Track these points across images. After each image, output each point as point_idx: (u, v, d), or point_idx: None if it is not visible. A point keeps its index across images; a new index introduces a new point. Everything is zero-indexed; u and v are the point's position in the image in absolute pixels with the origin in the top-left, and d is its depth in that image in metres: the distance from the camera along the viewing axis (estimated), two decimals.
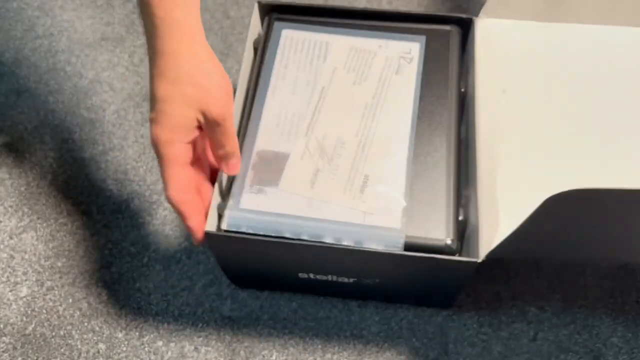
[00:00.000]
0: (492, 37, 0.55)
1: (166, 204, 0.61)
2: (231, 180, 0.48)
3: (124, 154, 0.65)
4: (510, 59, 0.55)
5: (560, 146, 0.52)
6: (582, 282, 0.56)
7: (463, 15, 0.55)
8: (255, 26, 0.56)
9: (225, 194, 0.49)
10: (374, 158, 0.48)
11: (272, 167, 0.48)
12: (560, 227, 0.44)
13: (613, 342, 0.53)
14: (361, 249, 0.45)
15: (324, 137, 0.49)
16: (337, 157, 0.48)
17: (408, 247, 0.45)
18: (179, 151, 0.43)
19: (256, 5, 0.55)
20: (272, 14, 0.56)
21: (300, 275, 0.51)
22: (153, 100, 0.42)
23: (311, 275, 0.51)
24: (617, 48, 0.55)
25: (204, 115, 0.42)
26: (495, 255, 0.44)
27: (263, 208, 0.47)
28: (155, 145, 0.42)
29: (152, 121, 0.42)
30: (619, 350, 0.53)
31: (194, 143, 0.44)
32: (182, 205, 0.44)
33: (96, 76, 0.70)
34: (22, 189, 0.63)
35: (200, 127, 0.43)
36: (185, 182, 0.44)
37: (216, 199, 0.49)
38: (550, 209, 0.39)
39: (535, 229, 0.43)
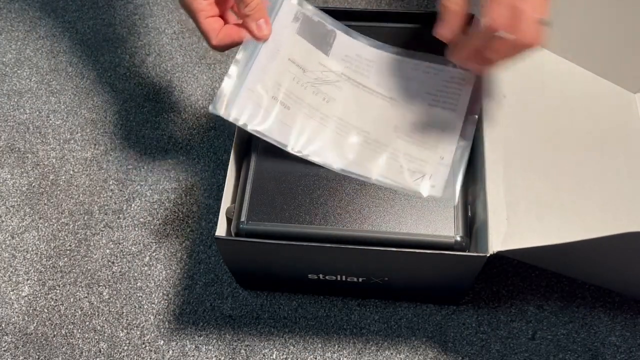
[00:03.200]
0: None
1: (167, 204, 0.62)
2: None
3: (126, 154, 0.65)
4: (509, 64, 0.55)
5: (562, 149, 0.52)
6: (580, 281, 0.56)
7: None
8: None
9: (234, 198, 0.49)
10: None
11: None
12: (606, 258, 0.45)
13: (611, 341, 0.54)
14: (371, 248, 0.45)
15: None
16: None
17: (418, 245, 0.46)
18: (200, 5, 0.47)
19: None
20: None
21: (310, 276, 0.51)
22: None
23: (320, 276, 0.51)
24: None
25: None
26: (510, 255, 0.45)
27: None
28: (183, 4, 0.48)
29: None
30: (617, 349, 0.53)
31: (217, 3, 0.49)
32: (229, 41, 0.49)
33: (98, 77, 0.71)
34: (24, 189, 0.63)
35: None
36: (219, 27, 0.48)
37: (226, 202, 0.49)
38: (616, 242, 0.40)
39: (578, 251, 0.43)
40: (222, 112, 0.48)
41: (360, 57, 0.53)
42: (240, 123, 0.48)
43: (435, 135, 0.50)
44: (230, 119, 0.48)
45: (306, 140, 0.49)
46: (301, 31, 0.52)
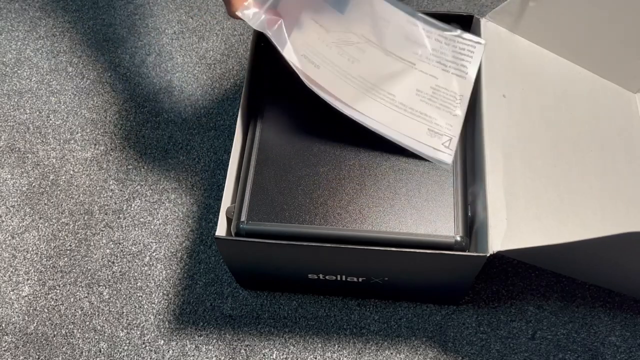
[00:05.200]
0: (493, 42, 0.55)
1: (167, 204, 0.62)
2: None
3: (126, 154, 0.65)
4: (509, 64, 0.55)
5: (562, 149, 0.52)
6: (580, 281, 0.56)
7: (464, 13, 0.56)
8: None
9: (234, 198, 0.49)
10: None
11: None
12: (607, 259, 0.45)
13: (611, 341, 0.54)
14: (371, 248, 0.45)
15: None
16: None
17: (418, 245, 0.46)
18: None
19: None
20: None
21: (310, 276, 0.52)
22: None
23: (320, 276, 0.51)
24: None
25: None
26: (510, 255, 0.45)
27: None
28: None
29: None
30: (617, 349, 0.53)
31: None
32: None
33: (98, 77, 0.71)
34: (24, 189, 0.63)
35: None
36: None
37: (226, 202, 0.49)
38: (617, 242, 0.40)
39: (580, 252, 0.43)
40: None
41: (376, 14, 0.53)
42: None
43: (454, 100, 0.52)
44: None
45: (334, 98, 0.50)
46: None
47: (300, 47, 0.50)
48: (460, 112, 0.52)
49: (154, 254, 0.59)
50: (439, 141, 0.50)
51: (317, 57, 0.51)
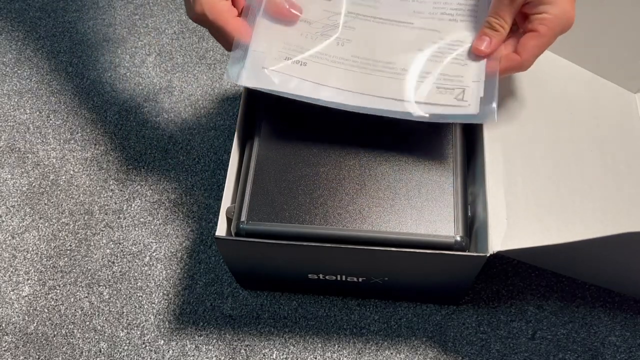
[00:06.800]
0: None
1: (167, 204, 0.62)
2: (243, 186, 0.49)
3: (126, 154, 0.65)
4: None
5: (562, 149, 0.52)
6: (580, 281, 0.56)
7: None
8: None
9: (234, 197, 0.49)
10: None
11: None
12: (605, 258, 0.45)
13: (611, 341, 0.54)
14: (371, 248, 0.45)
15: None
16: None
17: (418, 245, 0.46)
18: (224, 4, 0.46)
19: None
20: None
21: (310, 276, 0.52)
22: None
23: (320, 276, 0.51)
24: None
25: None
26: (510, 255, 0.45)
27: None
28: (202, 8, 0.45)
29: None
30: (617, 349, 0.53)
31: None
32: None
33: (98, 77, 0.71)
34: (24, 189, 0.63)
35: None
36: (245, 25, 0.47)
37: (226, 202, 0.49)
38: (616, 242, 0.40)
39: (580, 251, 0.43)
40: (244, 82, 0.47)
41: None
42: (265, 88, 0.47)
43: (464, 48, 0.48)
44: (257, 87, 0.47)
45: (326, 87, 0.48)
46: None
47: (281, 51, 0.48)
48: (470, 59, 0.47)
49: (154, 254, 0.59)
50: (450, 96, 0.46)
51: (300, 54, 0.48)
